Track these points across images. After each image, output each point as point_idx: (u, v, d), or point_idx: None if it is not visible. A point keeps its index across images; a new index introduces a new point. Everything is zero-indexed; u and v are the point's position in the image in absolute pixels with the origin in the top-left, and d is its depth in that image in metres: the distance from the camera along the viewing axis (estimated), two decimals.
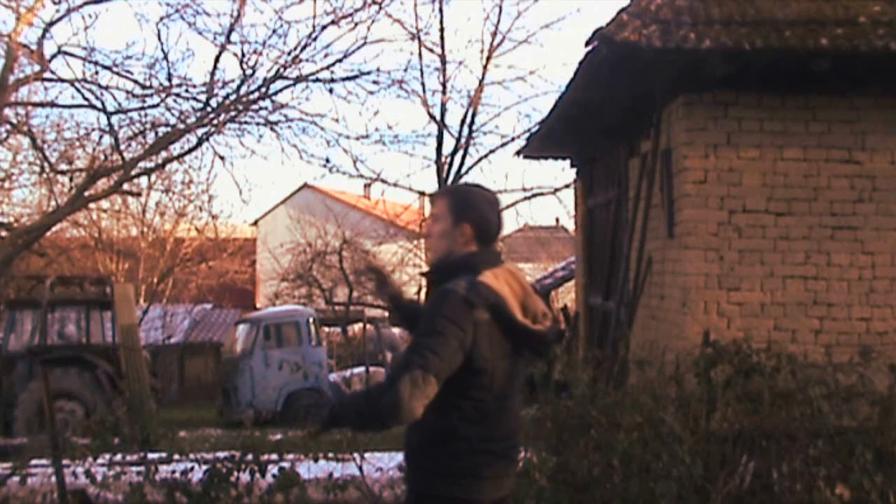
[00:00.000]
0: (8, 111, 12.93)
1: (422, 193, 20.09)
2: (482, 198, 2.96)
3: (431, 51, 16.62)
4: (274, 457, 5.39)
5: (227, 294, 29.37)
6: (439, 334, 2.70)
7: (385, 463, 5.41)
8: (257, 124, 13.40)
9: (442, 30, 17.48)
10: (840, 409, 4.92)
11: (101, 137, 13.96)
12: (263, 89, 12.91)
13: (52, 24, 12.08)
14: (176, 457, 5.58)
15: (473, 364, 2.75)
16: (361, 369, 17.69)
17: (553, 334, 2.94)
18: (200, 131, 13.04)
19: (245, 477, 5.17)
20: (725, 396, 4.86)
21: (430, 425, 2.78)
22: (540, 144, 11.37)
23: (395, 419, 2.67)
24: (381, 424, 2.74)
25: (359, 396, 2.87)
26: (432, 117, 17.14)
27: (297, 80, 13.05)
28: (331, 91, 13.50)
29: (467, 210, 2.92)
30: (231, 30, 12.44)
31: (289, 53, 12.63)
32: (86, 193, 13.50)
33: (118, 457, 5.65)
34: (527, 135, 13.43)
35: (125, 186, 14.05)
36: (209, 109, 12.69)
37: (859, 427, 4.85)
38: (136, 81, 12.65)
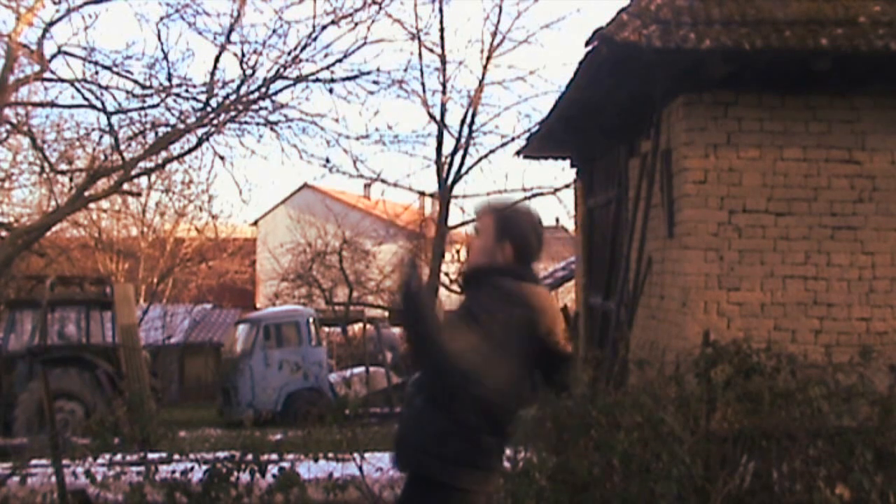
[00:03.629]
0: (8, 111, 12.94)
1: (422, 193, 20.09)
2: (526, 220, 3.04)
3: (431, 51, 16.66)
4: (274, 457, 5.39)
5: (227, 294, 29.36)
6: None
7: (385, 463, 5.40)
8: (257, 124, 13.44)
9: (442, 30, 17.56)
10: (840, 409, 4.92)
11: (101, 137, 14.00)
12: (263, 89, 12.93)
13: (52, 24, 12.11)
14: (176, 457, 5.58)
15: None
16: (361, 369, 17.68)
17: (572, 360, 3.04)
18: (200, 131, 13.07)
19: (245, 477, 5.17)
20: (725, 396, 4.85)
21: (446, 413, 2.83)
22: (540, 144, 11.37)
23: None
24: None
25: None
26: (432, 117, 17.17)
27: (297, 80, 13.07)
28: (331, 91, 13.56)
29: (511, 230, 3.00)
30: (231, 30, 12.48)
31: (289, 53, 12.67)
32: (86, 193, 13.51)
33: (118, 457, 5.64)
34: (527, 135, 13.45)
35: (125, 186, 14.06)
36: (209, 109, 12.71)
37: (859, 427, 4.84)
38: (136, 81, 12.68)
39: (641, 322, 8.04)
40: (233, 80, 12.83)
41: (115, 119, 12.99)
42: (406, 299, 2.81)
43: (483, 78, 17.15)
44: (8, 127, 13.72)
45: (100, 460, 5.56)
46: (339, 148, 23.39)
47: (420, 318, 2.80)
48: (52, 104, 13.79)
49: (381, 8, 13.13)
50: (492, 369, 2.77)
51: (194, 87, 12.68)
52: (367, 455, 5.33)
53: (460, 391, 2.80)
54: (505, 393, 2.84)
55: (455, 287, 22.00)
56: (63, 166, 15.21)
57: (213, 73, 12.63)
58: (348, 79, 13.36)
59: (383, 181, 18.17)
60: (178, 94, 12.72)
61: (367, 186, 30.68)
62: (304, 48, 12.61)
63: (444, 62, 16.79)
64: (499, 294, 2.89)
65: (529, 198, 18.33)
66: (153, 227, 26.66)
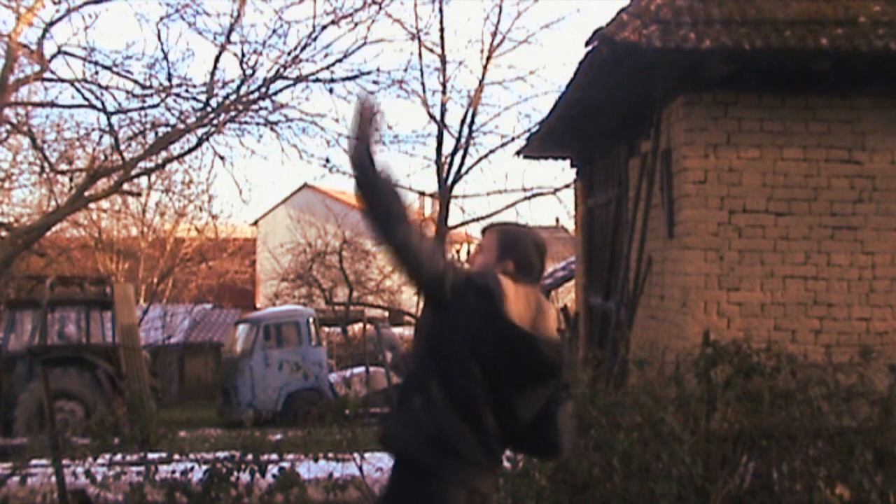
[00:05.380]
0: (8, 111, 12.93)
1: (422, 193, 20.07)
2: (530, 240, 3.06)
3: (431, 51, 16.60)
4: (274, 457, 5.39)
5: (227, 294, 29.35)
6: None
7: (385, 463, 5.40)
8: (257, 124, 13.42)
9: (442, 30, 17.45)
10: (840, 409, 4.92)
11: (101, 137, 13.99)
12: (263, 89, 12.92)
13: (52, 24, 12.10)
14: (176, 457, 5.58)
15: (460, 342, 2.84)
16: (361, 369, 17.68)
17: (558, 353, 2.96)
18: (200, 131, 13.06)
19: (245, 477, 5.17)
20: (725, 396, 4.86)
21: (426, 389, 2.83)
22: (540, 144, 11.37)
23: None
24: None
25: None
26: (432, 117, 17.12)
27: (297, 80, 13.05)
28: (331, 91, 13.52)
29: (513, 248, 3.03)
30: (231, 30, 12.47)
31: (289, 53, 12.65)
32: (86, 193, 13.50)
33: (118, 457, 5.64)
34: (527, 135, 13.43)
35: (125, 186, 14.06)
36: (209, 109, 12.70)
37: (859, 427, 4.85)
38: (136, 81, 12.67)
39: (641, 322, 8.04)
40: (233, 80, 12.84)
41: (115, 119, 12.99)
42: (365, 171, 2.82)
43: (483, 78, 17.11)
44: (8, 127, 13.71)
45: (100, 460, 5.57)
46: (339, 148, 23.32)
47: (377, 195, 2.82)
48: (52, 104, 13.78)
49: (381, 8, 13.11)
50: (433, 260, 2.80)
51: (194, 87, 12.68)
52: (367, 455, 5.33)
53: (450, 385, 2.81)
54: (433, 280, 2.84)
55: None
56: (63, 166, 15.20)
57: (213, 73, 12.63)
58: (348, 79, 13.34)
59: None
60: (178, 94, 12.71)
61: None
62: (304, 48, 12.61)
63: (444, 62, 16.75)
64: (466, 281, 2.88)
65: (529, 198, 18.33)
66: (153, 227, 26.66)
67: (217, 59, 12.63)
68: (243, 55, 12.51)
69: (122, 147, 13.09)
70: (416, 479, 2.85)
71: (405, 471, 2.90)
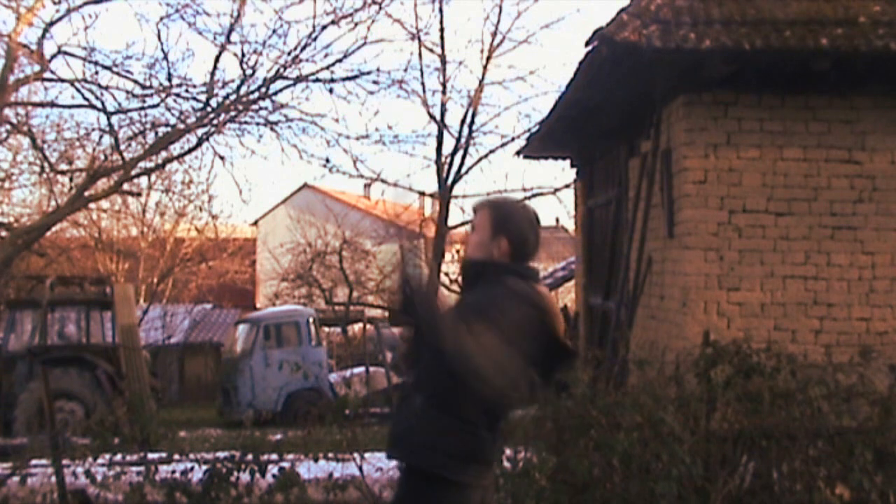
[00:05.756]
0: (8, 111, 12.92)
1: (422, 193, 20.08)
2: (522, 215, 3.03)
3: (431, 51, 16.62)
4: (274, 457, 5.39)
5: (227, 294, 29.35)
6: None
7: (385, 463, 5.40)
8: (257, 124, 13.42)
9: (442, 30, 17.49)
10: (840, 409, 4.92)
11: (101, 137, 13.99)
12: (263, 89, 12.92)
13: (52, 24, 12.10)
14: (176, 457, 5.57)
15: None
16: (361, 369, 17.68)
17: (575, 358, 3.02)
18: (200, 131, 13.06)
19: (245, 477, 5.17)
20: (725, 396, 4.85)
21: (447, 410, 2.82)
22: (540, 144, 11.38)
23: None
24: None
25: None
26: (432, 117, 17.13)
27: (297, 80, 13.06)
28: (331, 91, 13.53)
29: (506, 224, 2.98)
30: (231, 30, 12.47)
31: (289, 53, 12.66)
32: (86, 193, 13.50)
33: (118, 457, 5.64)
34: (527, 135, 13.44)
35: (125, 186, 14.05)
36: (209, 109, 12.70)
37: (859, 427, 4.84)
38: (136, 81, 12.67)
39: (641, 322, 8.04)
40: (233, 80, 12.84)
41: (115, 119, 12.99)
42: (412, 299, 2.78)
43: (483, 78, 17.12)
44: (8, 127, 13.71)
45: (100, 460, 5.56)
46: (339, 148, 23.39)
47: (428, 316, 2.76)
48: (52, 104, 13.78)
49: (381, 8, 13.13)
50: (502, 370, 2.73)
51: (194, 87, 12.68)
52: (367, 455, 5.32)
53: (467, 389, 2.79)
54: (508, 392, 2.83)
55: (455, 287, 21.99)
56: (63, 166, 15.19)
57: (213, 73, 12.64)
58: (348, 79, 13.35)
59: (383, 181, 18.14)
60: (178, 94, 12.71)
61: (367, 186, 30.67)
62: (304, 48, 12.61)
63: (444, 62, 16.76)
64: (510, 293, 2.87)
65: (529, 198, 18.34)
66: (153, 227, 26.67)
67: (217, 59, 12.65)
68: (243, 55, 12.53)
69: (122, 147, 13.10)
70: (433, 486, 2.84)
71: (419, 477, 2.89)
